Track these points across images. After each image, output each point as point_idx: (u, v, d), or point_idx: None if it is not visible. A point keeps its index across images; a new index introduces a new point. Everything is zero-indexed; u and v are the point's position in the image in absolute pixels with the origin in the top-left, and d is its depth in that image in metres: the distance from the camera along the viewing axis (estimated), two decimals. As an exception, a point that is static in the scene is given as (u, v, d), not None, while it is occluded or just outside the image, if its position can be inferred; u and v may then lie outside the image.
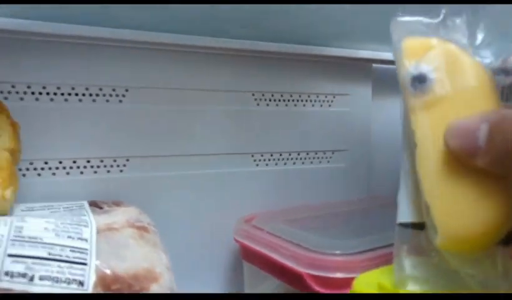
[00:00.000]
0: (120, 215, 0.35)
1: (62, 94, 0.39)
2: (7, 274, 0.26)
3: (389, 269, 0.26)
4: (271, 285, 0.40)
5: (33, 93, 0.38)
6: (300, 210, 0.47)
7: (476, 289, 0.23)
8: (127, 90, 0.42)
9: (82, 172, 0.40)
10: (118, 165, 0.42)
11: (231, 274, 0.48)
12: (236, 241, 0.42)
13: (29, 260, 0.26)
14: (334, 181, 0.54)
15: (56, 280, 0.27)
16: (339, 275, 0.33)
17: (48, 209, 0.35)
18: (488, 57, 0.25)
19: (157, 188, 0.44)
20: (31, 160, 0.38)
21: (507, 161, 0.20)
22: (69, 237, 0.29)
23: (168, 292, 0.31)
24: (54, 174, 0.39)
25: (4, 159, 0.31)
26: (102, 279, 0.28)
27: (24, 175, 0.38)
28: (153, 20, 0.38)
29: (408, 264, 0.25)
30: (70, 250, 0.28)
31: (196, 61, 0.45)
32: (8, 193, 0.31)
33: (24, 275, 0.26)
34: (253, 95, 0.49)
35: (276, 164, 0.51)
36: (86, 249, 0.29)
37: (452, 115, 0.22)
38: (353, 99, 0.55)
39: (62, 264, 0.27)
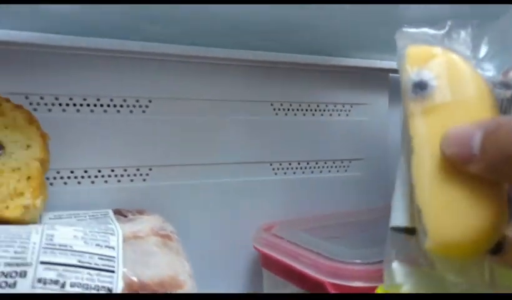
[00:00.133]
0: (144, 224, 0.36)
1: (88, 105, 0.40)
2: (40, 280, 0.26)
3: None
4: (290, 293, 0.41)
5: (60, 104, 0.39)
6: (318, 219, 0.47)
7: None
8: (150, 101, 0.43)
9: (106, 181, 0.42)
10: (141, 174, 0.43)
11: (251, 282, 0.48)
12: (256, 249, 0.43)
13: (60, 268, 0.27)
14: (352, 190, 0.54)
15: (86, 287, 0.28)
16: (360, 284, 0.33)
17: (75, 217, 0.36)
18: (491, 71, 0.25)
19: (178, 196, 0.45)
20: (58, 169, 0.39)
21: (501, 168, 0.20)
22: (97, 245, 0.30)
23: None
24: (79, 182, 0.41)
25: (34, 169, 0.33)
26: (129, 286, 0.29)
27: (51, 184, 0.39)
28: (175, 33, 0.39)
29: (398, 271, 0.25)
30: (99, 258, 0.29)
31: (216, 72, 0.46)
32: (38, 202, 0.32)
33: (56, 282, 0.27)
34: (271, 105, 0.49)
35: (294, 173, 0.51)
36: (114, 257, 0.30)
37: (450, 123, 0.22)
38: (370, 108, 0.55)
39: (92, 271, 0.28)
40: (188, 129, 0.45)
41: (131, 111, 0.42)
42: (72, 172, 0.40)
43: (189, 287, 0.33)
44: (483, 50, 0.25)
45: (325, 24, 0.38)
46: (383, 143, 0.57)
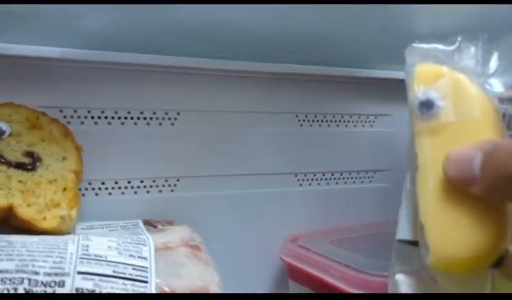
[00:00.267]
0: (174, 234, 0.37)
1: (119, 118, 0.41)
2: (77, 290, 0.27)
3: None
4: (317, 304, 0.41)
5: (92, 117, 0.40)
6: (344, 231, 0.48)
7: None
8: (178, 114, 0.44)
9: (136, 192, 0.42)
10: (169, 185, 0.44)
11: (277, 292, 0.49)
12: (283, 260, 0.43)
13: (97, 278, 0.28)
14: (377, 201, 0.54)
15: (121, 297, 0.28)
16: (389, 296, 0.33)
17: (106, 227, 0.37)
18: (500, 86, 0.25)
19: (205, 207, 0.45)
20: (90, 180, 0.40)
21: (500, 188, 0.21)
22: (130, 255, 0.31)
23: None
24: (110, 193, 0.41)
25: (70, 181, 0.33)
26: (162, 296, 0.30)
27: (83, 195, 0.40)
28: (205, 48, 0.40)
29: (401, 283, 0.25)
30: (132, 268, 0.30)
31: (242, 85, 0.46)
32: (74, 212, 0.33)
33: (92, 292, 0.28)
34: (296, 116, 0.50)
35: (319, 184, 0.51)
36: (146, 267, 0.31)
37: (454, 143, 0.23)
38: (394, 119, 0.56)
39: (126, 282, 0.29)
40: (215, 141, 0.45)
41: (160, 123, 0.43)
42: (103, 183, 0.41)
43: (219, 298, 0.33)
44: (493, 66, 0.25)
45: (349, 36, 0.38)
46: (408, 154, 0.56)
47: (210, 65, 0.44)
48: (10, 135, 0.33)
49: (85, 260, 0.29)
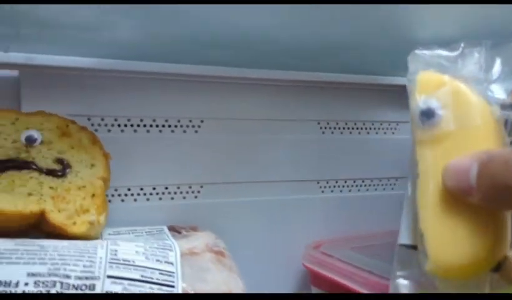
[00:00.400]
0: (199, 240, 0.37)
1: (145, 126, 0.42)
2: (107, 293, 0.28)
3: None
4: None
5: (119, 125, 0.41)
6: (366, 238, 0.47)
7: None
8: (202, 121, 0.44)
9: (160, 198, 0.43)
10: (193, 192, 0.44)
11: (299, 299, 0.49)
12: (306, 267, 0.43)
13: (125, 282, 0.29)
14: (399, 208, 0.54)
15: (149, 301, 0.29)
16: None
17: (132, 233, 0.38)
18: (502, 93, 0.25)
19: (227, 213, 0.46)
20: (116, 187, 0.41)
21: (496, 197, 0.22)
22: (157, 260, 0.32)
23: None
24: (135, 200, 0.42)
25: (98, 187, 0.34)
26: (188, 301, 0.30)
27: (109, 201, 0.41)
28: (230, 56, 0.40)
29: (402, 287, 0.26)
30: (159, 273, 0.31)
31: (265, 93, 0.47)
32: (102, 218, 0.34)
33: (121, 296, 0.28)
34: (318, 123, 0.50)
35: (341, 191, 0.51)
36: (173, 272, 0.31)
37: (455, 152, 0.23)
38: (416, 125, 0.55)
39: (154, 286, 0.29)
40: (238, 148, 0.46)
41: (184, 131, 0.44)
42: (128, 189, 0.42)
43: (243, 304, 0.33)
44: (496, 72, 0.26)
45: (371, 44, 0.38)
46: (430, 161, 0.56)
47: (232, 74, 0.44)
48: (42, 142, 0.34)
49: (114, 265, 0.29)
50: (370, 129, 0.53)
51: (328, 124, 0.51)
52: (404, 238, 0.27)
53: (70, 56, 0.39)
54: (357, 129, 0.52)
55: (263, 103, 0.47)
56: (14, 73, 0.38)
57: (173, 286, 0.30)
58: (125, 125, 0.42)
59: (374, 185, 0.53)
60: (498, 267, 0.23)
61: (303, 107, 0.49)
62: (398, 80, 0.52)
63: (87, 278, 0.28)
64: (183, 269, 0.32)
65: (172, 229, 0.40)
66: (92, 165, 0.35)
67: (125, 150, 0.41)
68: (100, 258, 0.29)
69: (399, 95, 0.53)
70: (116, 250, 0.31)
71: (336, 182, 0.51)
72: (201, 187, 0.45)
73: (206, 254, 0.35)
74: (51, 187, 0.33)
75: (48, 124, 0.35)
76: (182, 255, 0.33)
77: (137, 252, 0.31)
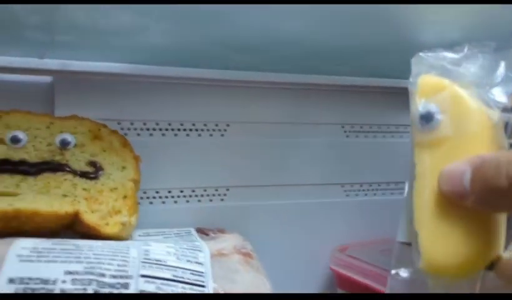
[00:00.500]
0: (227, 242, 0.38)
1: (173, 130, 0.43)
2: (141, 292, 0.29)
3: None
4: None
5: (148, 129, 0.42)
6: (391, 241, 0.47)
7: None
8: (228, 125, 0.45)
9: (188, 201, 0.44)
10: (219, 194, 0.45)
11: (324, 302, 0.49)
12: (332, 270, 0.43)
13: (158, 281, 0.29)
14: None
15: (181, 300, 0.29)
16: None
17: (161, 234, 0.39)
18: (503, 96, 0.25)
19: (253, 216, 0.46)
20: (145, 189, 0.42)
21: (488, 200, 0.23)
22: (188, 260, 0.32)
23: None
24: (163, 202, 0.43)
25: (129, 189, 0.35)
26: (219, 300, 0.31)
27: (138, 203, 0.42)
28: (256, 61, 0.41)
29: (396, 282, 0.27)
30: (190, 273, 0.31)
31: (289, 96, 0.47)
32: (133, 219, 0.34)
33: (155, 295, 0.29)
34: (342, 127, 0.50)
35: (365, 195, 0.51)
36: (203, 272, 0.32)
37: (452, 157, 0.24)
38: (441, 129, 0.55)
39: (185, 286, 0.30)
40: (263, 151, 0.46)
41: (211, 135, 0.44)
42: (157, 192, 0.43)
43: (271, 305, 0.34)
44: (499, 75, 0.26)
45: (397, 48, 0.38)
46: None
47: (258, 78, 0.45)
48: (75, 145, 0.35)
49: (146, 264, 0.30)
50: (394, 132, 0.53)
51: (352, 127, 0.51)
52: (402, 235, 0.28)
53: (101, 62, 0.40)
54: (381, 132, 0.52)
55: (288, 107, 0.47)
56: (48, 79, 0.40)
57: (204, 286, 0.31)
58: (154, 129, 0.42)
59: (398, 189, 0.53)
60: (492, 267, 0.24)
61: (328, 111, 0.49)
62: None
63: (121, 277, 0.28)
64: (213, 270, 0.32)
65: (200, 231, 0.40)
66: (123, 167, 0.36)
67: (154, 154, 0.42)
68: (133, 258, 0.30)
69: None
70: (148, 251, 0.31)
71: (361, 185, 0.51)
72: (228, 190, 0.45)
73: (234, 255, 0.36)
74: (84, 189, 0.34)
75: (81, 127, 0.36)
76: (211, 256, 0.34)
77: (168, 252, 0.32)
